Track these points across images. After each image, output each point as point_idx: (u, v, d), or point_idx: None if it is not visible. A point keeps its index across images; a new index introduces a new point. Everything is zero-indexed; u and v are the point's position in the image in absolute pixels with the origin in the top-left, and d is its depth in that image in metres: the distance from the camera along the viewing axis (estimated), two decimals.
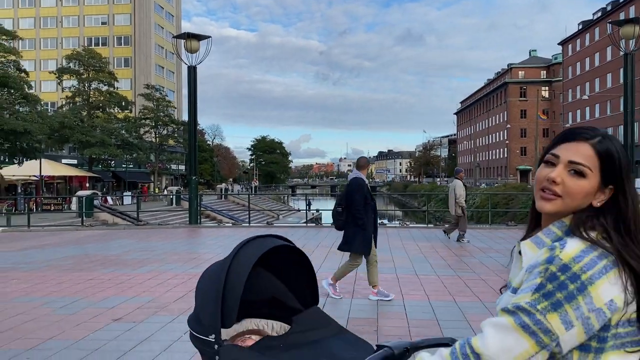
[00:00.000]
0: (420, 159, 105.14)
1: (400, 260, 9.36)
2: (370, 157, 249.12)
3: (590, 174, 1.21)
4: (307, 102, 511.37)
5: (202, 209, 23.04)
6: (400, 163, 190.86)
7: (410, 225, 16.32)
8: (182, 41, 16.76)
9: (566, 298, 1.11)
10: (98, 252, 11.24)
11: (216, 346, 1.46)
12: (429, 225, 16.18)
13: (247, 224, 17.93)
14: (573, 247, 1.16)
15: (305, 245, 11.49)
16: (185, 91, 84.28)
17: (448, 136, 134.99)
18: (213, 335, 1.46)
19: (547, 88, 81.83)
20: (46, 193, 39.53)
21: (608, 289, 1.12)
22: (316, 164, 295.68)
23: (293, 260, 1.72)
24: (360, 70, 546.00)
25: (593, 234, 1.19)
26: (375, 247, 6.51)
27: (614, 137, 1.26)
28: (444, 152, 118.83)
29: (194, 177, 16.66)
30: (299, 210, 52.91)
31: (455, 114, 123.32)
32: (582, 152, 1.22)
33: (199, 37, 16.55)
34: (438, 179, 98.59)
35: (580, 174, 1.21)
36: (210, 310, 1.49)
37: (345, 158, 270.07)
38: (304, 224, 15.83)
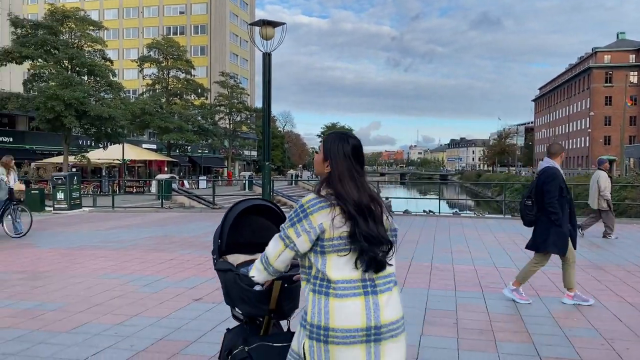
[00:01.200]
0: (495, 148, 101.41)
1: (477, 252, 9.05)
2: (441, 145, 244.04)
3: (319, 153, 2.24)
4: (378, 89, 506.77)
5: (273, 194, 23.39)
6: (473, 151, 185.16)
7: (486, 215, 15.80)
8: (257, 28, 16.92)
9: (297, 220, 2.10)
10: (177, 233, 11.67)
11: (215, 261, 2.76)
12: (506, 216, 15.60)
13: None
14: (308, 197, 2.15)
15: None
16: (258, 78, 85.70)
17: (524, 124, 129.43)
18: (215, 255, 2.77)
19: (636, 73, 76.35)
20: (128, 176, 41.66)
21: (319, 218, 2.07)
22: (385, 151, 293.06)
23: (281, 215, 2.76)
24: (432, 56, 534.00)
25: (323, 192, 2.14)
26: (575, 248, 5.78)
27: (332, 136, 2.25)
28: (520, 141, 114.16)
29: (267, 163, 16.88)
30: None
31: (534, 100, 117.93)
32: (320, 144, 2.29)
33: (274, 24, 16.63)
34: (513, 169, 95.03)
35: (317, 153, 2.26)
36: (215, 243, 2.75)
37: (415, 146, 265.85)
38: None
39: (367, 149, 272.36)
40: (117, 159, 37.44)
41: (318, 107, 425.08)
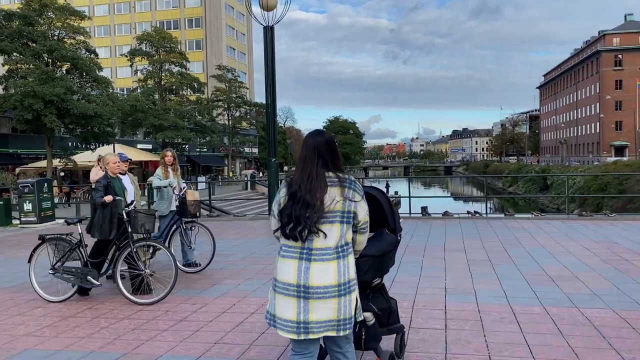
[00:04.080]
0: (503, 137, 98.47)
1: (591, 280, 6.19)
2: (443, 137, 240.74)
3: None
4: (377, 82, 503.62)
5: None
6: (476, 142, 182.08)
7: (547, 215, 12.95)
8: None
9: (277, 194, 2.76)
10: None
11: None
12: (571, 215, 12.72)
13: None
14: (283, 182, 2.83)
15: (428, 246, 8.54)
16: (257, 75, 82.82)
17: (528, 112, 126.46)
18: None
19: None
20: None
21: (282, 193, 2.75)
22: (387, 144, 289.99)
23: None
24: (431, 48, 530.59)
25: (289, 177, 2.75)
26: None
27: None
28: (525, 129, 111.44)
29: (273, 160, 14.17)
30: None
31: (539, 88, 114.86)
32: None
33: None
34: (522, 157, 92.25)
35: None
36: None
37: (417, 138, 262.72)
38: (408, 215, 12.95)
39: (369, 143, 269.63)
40: None
41: (318, 102, 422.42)
